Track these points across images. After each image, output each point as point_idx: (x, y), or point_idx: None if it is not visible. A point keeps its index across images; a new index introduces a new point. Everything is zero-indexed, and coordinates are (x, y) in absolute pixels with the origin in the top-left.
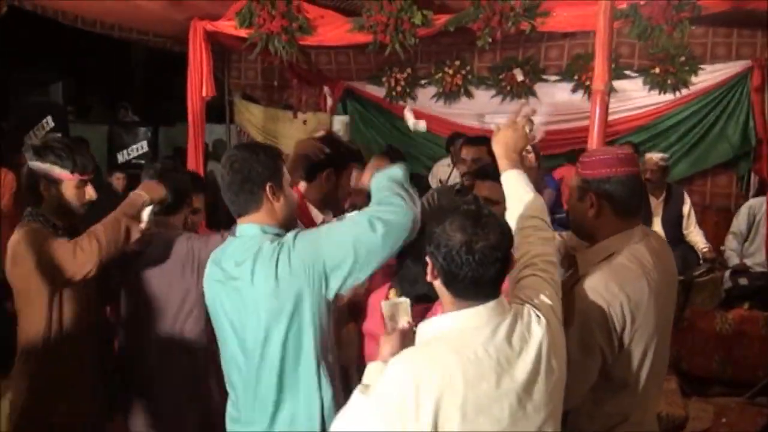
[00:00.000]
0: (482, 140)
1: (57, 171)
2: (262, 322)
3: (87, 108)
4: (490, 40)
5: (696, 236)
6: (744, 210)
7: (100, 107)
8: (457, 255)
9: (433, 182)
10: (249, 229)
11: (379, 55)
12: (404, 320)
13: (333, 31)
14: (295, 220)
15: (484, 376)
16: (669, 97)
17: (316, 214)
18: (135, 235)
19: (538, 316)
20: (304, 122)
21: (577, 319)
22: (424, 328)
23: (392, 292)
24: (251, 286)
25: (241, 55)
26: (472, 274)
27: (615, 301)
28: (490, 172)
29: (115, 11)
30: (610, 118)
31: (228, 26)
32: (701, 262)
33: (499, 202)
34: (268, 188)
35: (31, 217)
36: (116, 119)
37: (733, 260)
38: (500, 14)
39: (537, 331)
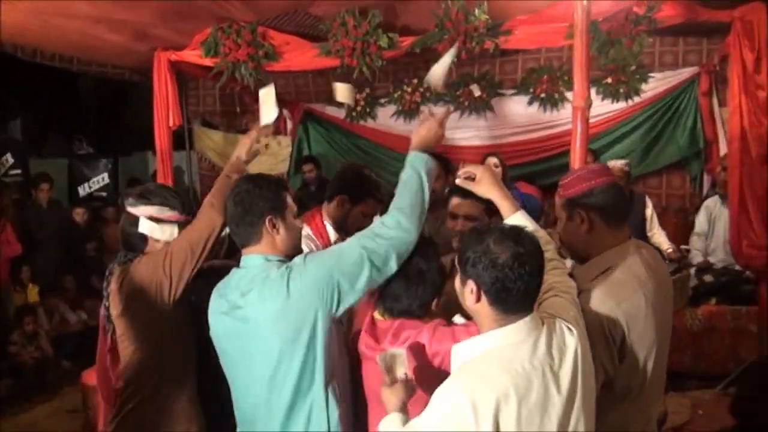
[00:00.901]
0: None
1: (167, 213)
2: (274, 348)
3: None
4: (456, 59)
5: (659, 237)
6: (703, 210)
7: (56, 141)
8: (510, 270)
9: None
10: (253, 259)
11: (338, 76)
12: (401, 371)
13: (300, 56)
14: (299, 249)
15: (533, 389)
16: (622, 105)
17: (331, 232)
18: None
19: (569, 328)
20: (266, 146)
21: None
22: (463, 350)
23: (377, 313)
24: (260, 313)
25: (199, 82)
26: (525, 286)
27: (612, 317)
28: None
29: (77, 45)
30: (567, 127)
31: (193, 55)
32: (667, 262)
33: (479, 218)
34: (267, 221)
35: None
36: (73, 152)
37: (697, 258)
38: (465, 34)
39: (571, 341)
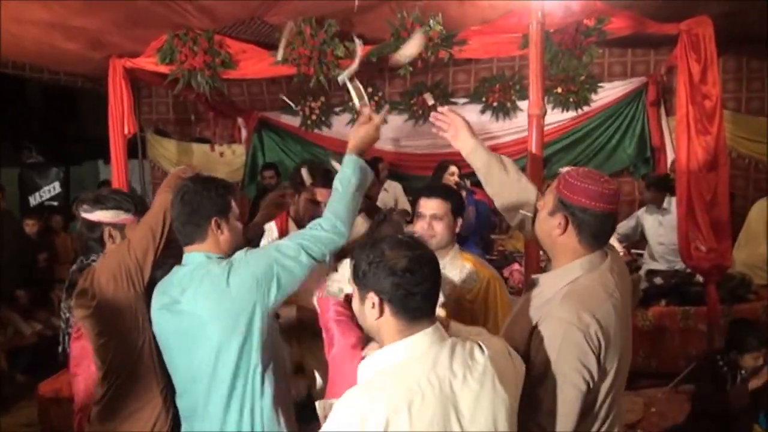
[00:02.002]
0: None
1: (122, 216)
2: (213, 340)
3: None
4: (411, 68)
5: (612, 242)
6: (633, 217)
7: (4, 150)
8: (411, 274)
9: None
10: (195, 257)
11: (292, 84)
12: None
13: (256, 65)
14: (239, 247)
15: (428, 405)
16: (571, 114)
17: (291, 226)
18: None
19: (480, 346)
20: (221, 154)
21: (555, 355)
22: (365, 366)
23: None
24: (200, 308)
25: (152, 89)
26: (426, 290)
27: (590, 329)
28: (437, 190)
29: (31, 52)
30: (520, 135)
31: (148, 63)
32: None
33: (445, 218)
34: (213, 222)
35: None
36: (22, 161)
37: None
38: None
39: (480, 358)
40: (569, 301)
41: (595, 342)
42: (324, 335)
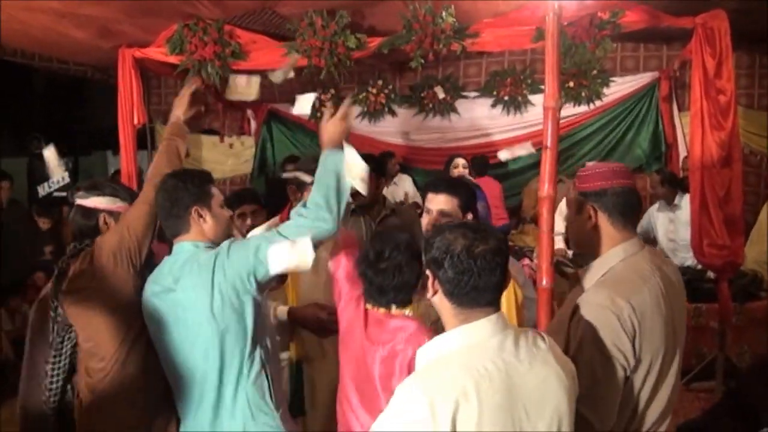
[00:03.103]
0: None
1: (118, 204)
2: (203, 329)
3: None
4: (422, 61)
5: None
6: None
7: (13, 140)
8: (459, 260)
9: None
10: (183, 246)
11: (302, 76)
12: None
13: (266, 55)
14: (228, 235)
15: (496, 389)
16: (583, 108)
17: None
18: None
19: (541, 336)
20: (231, 146)
21: (590, 337)
22: (426, 350)
23: (368, 305)
24: (190, 296)
25: (161, 80)
26: (475, 281)
27: (623, 313)
28: (444, 184)
29: (40, 41)
30: (532, 129)
31: (158, 53)
32: None
33: (452, 214)
34: (193, 212)
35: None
36: (31, 151)
37: None
38: (432, 36)
39: (543, 346)
40: (603, 287)
41: (629, 326)
42: (334, 290)
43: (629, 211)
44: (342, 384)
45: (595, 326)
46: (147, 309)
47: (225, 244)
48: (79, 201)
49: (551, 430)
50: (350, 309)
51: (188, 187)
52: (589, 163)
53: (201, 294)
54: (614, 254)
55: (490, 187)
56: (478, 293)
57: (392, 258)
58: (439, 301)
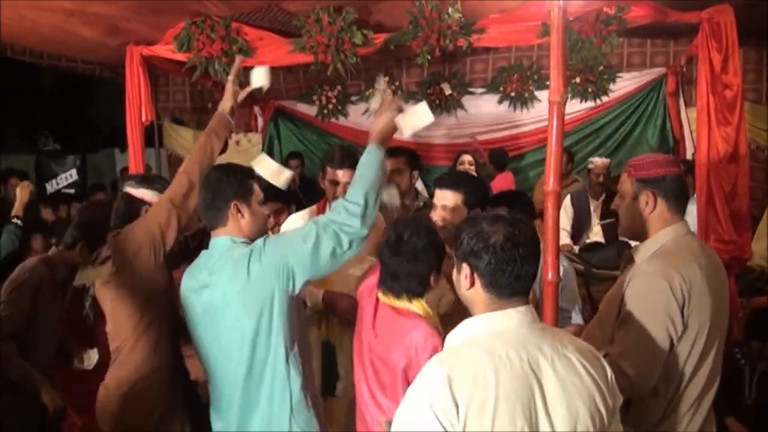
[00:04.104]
0: (401, 150)
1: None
2: (239, 324)
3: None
4: (429, 57)
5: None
6: None
7: (21, 137)
8: (503, 251)
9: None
10: (220, 241)
11: (309, 73)
12: None
13: (273, 52)
14: (263, 232)
15: (515, 377)
16: (590, 104)
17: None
18: None
19: (570, 335)
20: (237, 143)
21: (642, 302)
22: (454, 334)
23: (381, 294)
24: (226, 292)
25: (169, 78)
26: (519, 270)
27: (674, 280)
28: (448, 180)
29: (48, 39)
30: (538, 125)
31: (165, 50)
32: None
33: (455, 208)
34: (233, 206)
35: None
36: (39, 148)
37: None
38: (438, 32)
39: (570, 345)
40: (656, 259)
41: (679, 294)
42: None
43: (682, 196)
44: (356, 372)
45: (648, 292)
46: (184, 304)
47: (260, 240)
48: (128, 189)
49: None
50: (365, 296)
51: (230, 181)
52: (647, 155)
53: (235, 289)
54: (665, 234)
55: (506, 182)
56: (518, 282)
57: (410, 242)
58: (473, 293)
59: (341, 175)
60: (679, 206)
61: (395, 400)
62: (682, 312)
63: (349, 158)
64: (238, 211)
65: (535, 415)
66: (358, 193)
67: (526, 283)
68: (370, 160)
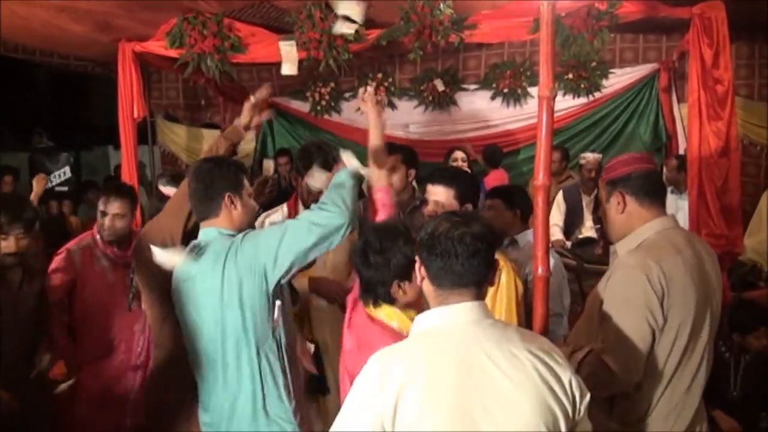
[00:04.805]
0: (396, 148)
1: None
2: (217, 314)
3: None
4: (421, 53)
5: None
6: None
7: (14, 134)
8: (439, 242)
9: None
10: (209, 232)
11: (302, 70)
12: None
13: (265, 48)
14: (252, 226)
15: (451, 373)
16: (582, 100)
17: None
18: None
19: (523, 334)
20: None
21: (620, 294)
22: (412, 328)
23: (363, 305)
24: (207, 281)
25: (162, 74)
26: (453, 263)
27: (653, 272)
28: (440, 176)
29: (40, 35)
30: (531, 122)
31: (157, 47)
32: None
33: (447, 204)
34: (226, 197)
35: None
36: (32, 146)
37: None
38: (430, 28)
39: (521, 346)
40: (636, 252)
41: (658, 286)
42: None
43: (654, 191)
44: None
45: (626, 284)
46: (173, 294)
47: (240, 235)
48: (160, 187)
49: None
50: (350, 305)
51: (224, 173)
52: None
53: (214, 281)
54: (648, 228)
55: (502, 180)
56: (457, 276)
57: (382, 251)
58: (425, 286)
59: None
60: (653, 201)
61: None
62: (662, 304)
63: (325, 157)
64: (232, 202)
65: (472, 420)
66: (334, 194)
67: (467, 278)
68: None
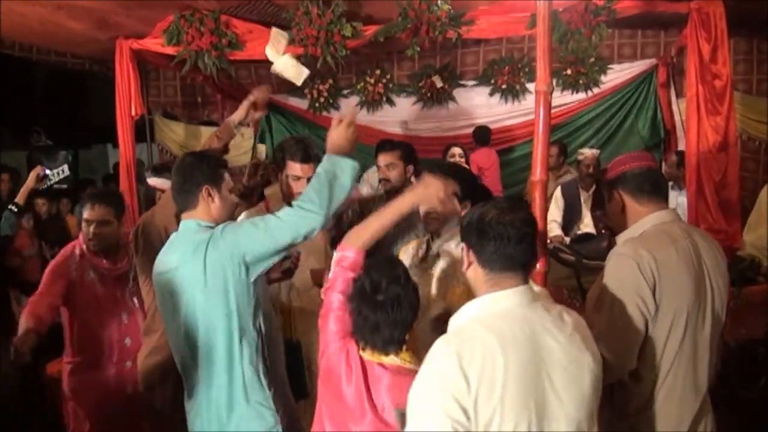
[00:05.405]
0: (395, 145)
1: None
2: (196, 305)
3: None
4: (418, 49)
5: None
6: None
7: (12, 133)
8: (489, 225)
9: (365, 189)
10: (188, 224)
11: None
12: None
13: (263, 45)
14: (231, 219)
15: (521, 351)
16: (581, 96)
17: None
18: None
19: (567, 311)
20: None
21: (612, 281)
22: (456, 319)
23: (360, 350)
24: (187, 274)
25: (160, 72)
26: (506, 246)
27: (643, 260)
28: (440, 166)
29: (37, 33)
30: (529, 118)
31: (155, 44)
32: None
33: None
34: (204, 190)
35: None
36: (30, 144)
37: None
38: (428, 24)
39: (568, 320)
40: (629, 242)
41: (649, 273)
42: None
43: (650, 187)
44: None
45: (617, 272)
46: (155, 286)
47: (220, 227)
48: (147, 179)
49: (576, 406)
50: (335, 347)
51: (203, 167)
52: None
53: (194, 273)
54: (648, 220)
55: (489, 158)
56: (509, 260)
57: (389, 290)
58: (473, 272)
59: (306, 169)
60: (650, 197)
61: None
62: (653, 291)
63: (311, 152)
64: (209, 194)
65: (542, 391)
66: (315, 187)
67: (517, 261)
68: (325, 165)
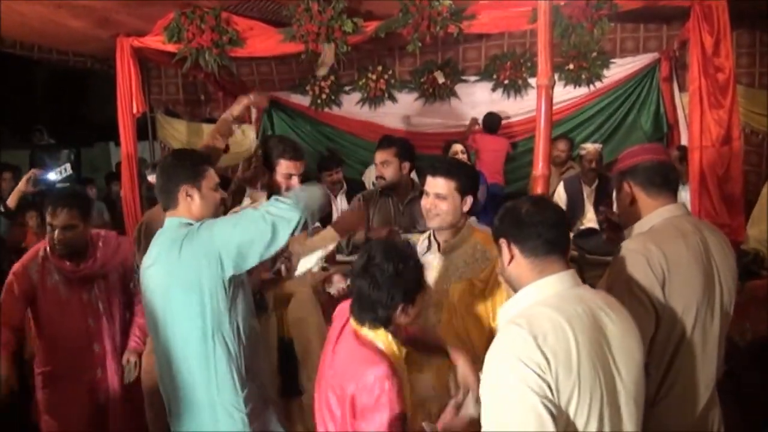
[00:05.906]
0: (391, 142)
1: None
2: (173, 302)
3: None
4: (420, 44)
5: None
6: None
7: (15, 132)
8: (527, 215)
9: (368, 185)
10: (171, 221)
11: (302, 63)
12: None
13: (264, 42)
14: (216, 215)
15: (587, 327)
16: (584, 90)
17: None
18: None
19: (606, 294)
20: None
21: (620, 275)
22: (509, 306)
23: (352, 321)
24: (162, 269)
25: (161, 70)
26: (546, 232)
27: (652, 255)
28: (441, 167)
29: (38, 31)
30: (531, 113)
31: (155, 41)
32: None
33: (448, 197)
34: (182, 190)
35: None
36: (33, 143)
37: None
38: (429, 19)
39: (612, 301)
40: (638, 237)
41: (658, 268)
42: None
43: (660, 180)
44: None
45: (626, 266)
46: (141, 283)
47: (198, 223)
48: (147, 176)
49: (632, 380)
50: (338, 317)
51: (182, 166)
52: None
53: (169, 269)
54: (657, 214)
55: (499, 144)
56: (551, 245)
57: (378, 266)
58: (516, 265)
59: (298, 166)
60: (660, 190)
61: None
62: (662, 287)
63: (300, 148)
64: (188, 195)
65: (608, 366)
66: (293, 190)
67: (559, 245)
68: (311, 188)
